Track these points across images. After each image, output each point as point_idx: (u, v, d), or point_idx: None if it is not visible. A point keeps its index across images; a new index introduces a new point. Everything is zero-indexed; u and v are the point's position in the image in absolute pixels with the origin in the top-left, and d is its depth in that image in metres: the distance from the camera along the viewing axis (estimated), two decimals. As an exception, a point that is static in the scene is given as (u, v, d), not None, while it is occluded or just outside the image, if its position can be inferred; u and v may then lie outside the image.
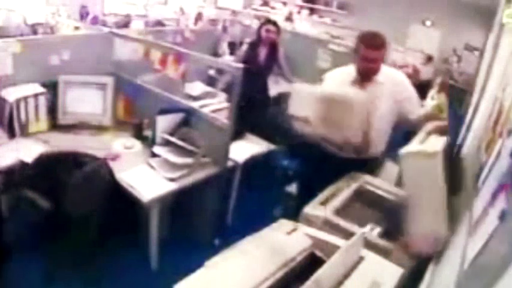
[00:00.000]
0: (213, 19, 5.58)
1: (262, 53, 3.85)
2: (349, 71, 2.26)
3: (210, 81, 4.10)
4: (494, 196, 1.09)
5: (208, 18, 5.86)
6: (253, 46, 3.87)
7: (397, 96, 2.22)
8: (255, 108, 3.06)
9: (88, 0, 6.32)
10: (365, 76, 2.21)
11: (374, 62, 2.14)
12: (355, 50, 2.20)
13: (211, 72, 4.24)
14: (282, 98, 4.38)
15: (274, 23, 3.91)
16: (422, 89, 6.70)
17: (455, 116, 4.65)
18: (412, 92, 2.29)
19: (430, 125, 1.95)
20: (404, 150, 1.76)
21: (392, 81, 2.23)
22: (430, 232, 1.62)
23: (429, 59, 7.28)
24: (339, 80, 2.28)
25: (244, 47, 3.93)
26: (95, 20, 5.74)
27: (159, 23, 5.86)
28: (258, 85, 3.11)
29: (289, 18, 7.07)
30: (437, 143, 1.73)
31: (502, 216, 0.92)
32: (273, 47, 3.86)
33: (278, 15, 7.23)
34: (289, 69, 4.02)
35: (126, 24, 5.93)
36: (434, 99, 5.75)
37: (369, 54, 2.12)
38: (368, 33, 2.19)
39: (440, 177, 1.62)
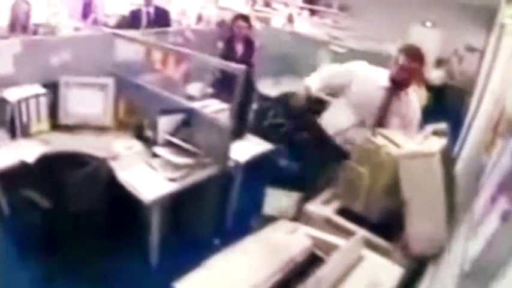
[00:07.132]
0: (220, 20, 5.55)
1: (239, 48, 3.92)
2: (381, 75, 2.35)
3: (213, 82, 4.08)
4: (495, 197, 1.08)
5: (213, 19, 5.84)
6: (229, 43, 3.91)
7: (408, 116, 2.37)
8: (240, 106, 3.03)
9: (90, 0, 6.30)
10: (397, 86, 2.30)
11: (409, 72, 2.23)
12: (394, 60, 2.29)
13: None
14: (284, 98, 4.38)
15: (245, 18, 3.96)
16: (437, 94, 6.62)
17: (455, 116, 4.65)
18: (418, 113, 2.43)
19: (429, 128, 1.96)
20: (401, 151, 1.76)
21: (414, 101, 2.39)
22: (429, 233, 1.62)
23: (439, 62, 7.20)
24: (371, 82, 2.36)
25: (220, 45, 3.95)
26: (95, 22, 5.73)
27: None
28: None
29: (290, 20, 7.07)
30: (435, 145, 1.72)
31: (505, 217, 0.92)
32: (249, 42, 3.93)
33: (279, 16, 7.23)
34: (259, 65, 4.01)
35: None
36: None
37: (406, 63, 2.21)
38: (409, 45, 2.34)
39: (438, 178, 1.61)
